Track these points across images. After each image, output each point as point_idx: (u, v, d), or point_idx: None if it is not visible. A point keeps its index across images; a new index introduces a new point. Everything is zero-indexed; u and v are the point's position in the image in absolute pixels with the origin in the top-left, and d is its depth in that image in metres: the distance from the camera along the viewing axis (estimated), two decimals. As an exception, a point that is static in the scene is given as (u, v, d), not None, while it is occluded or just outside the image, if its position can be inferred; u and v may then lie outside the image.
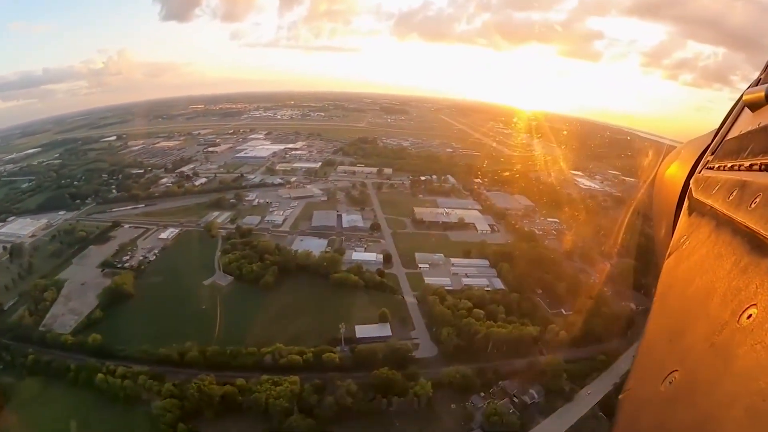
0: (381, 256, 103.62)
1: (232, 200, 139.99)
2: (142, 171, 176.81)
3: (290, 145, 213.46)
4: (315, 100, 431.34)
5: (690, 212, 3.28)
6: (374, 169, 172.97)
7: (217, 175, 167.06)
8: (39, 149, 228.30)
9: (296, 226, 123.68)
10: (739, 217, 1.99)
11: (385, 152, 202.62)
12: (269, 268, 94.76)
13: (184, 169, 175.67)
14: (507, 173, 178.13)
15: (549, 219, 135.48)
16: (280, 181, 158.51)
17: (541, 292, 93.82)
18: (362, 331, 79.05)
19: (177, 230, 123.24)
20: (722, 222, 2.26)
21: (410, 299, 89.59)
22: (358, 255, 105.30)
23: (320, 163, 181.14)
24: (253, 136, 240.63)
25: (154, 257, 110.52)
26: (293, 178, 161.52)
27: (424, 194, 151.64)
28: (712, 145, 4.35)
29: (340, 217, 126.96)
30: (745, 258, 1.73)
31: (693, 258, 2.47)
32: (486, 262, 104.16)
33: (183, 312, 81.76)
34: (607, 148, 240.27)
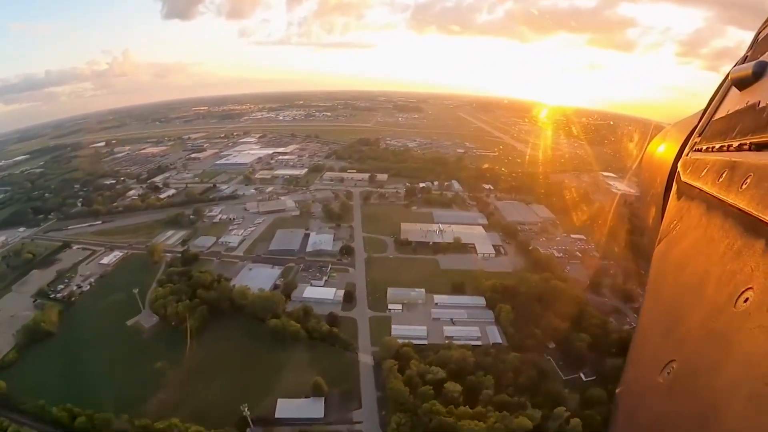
0: (341, 293, 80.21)
1: (192, 216, 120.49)
2: (114, 181, 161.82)
3: (280, 150, 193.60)
4: (325, 100, 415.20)
5: (679, 196, 3.21)
6: (366, 175, 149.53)
7: (189, 185, 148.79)
8: (28, 156, 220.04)
9: (253, 248, 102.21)
10: (731, 198, 1.93)
11: (385, 155, 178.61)
12: (198, 308, 75.41)
13: (157, 179, 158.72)
14: (525, 177, 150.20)
15: (573, 236, 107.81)
16: (253, 191, 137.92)
17: (554, 347, 67.89)
18: (285, 408, 56.61)
19: (121, 254, 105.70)
20: (713, 205, 2.22)
21: (367, 358, 65.61)
22: (313, 291, 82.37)
23: (306, 170, 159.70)
24: (244, 140, 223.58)
25: (89, 287, 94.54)
26: (269, 189, 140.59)
27: (420, 205, 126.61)
28: (699, 127, 4.19)
29: (307, 237, 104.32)
30: (738, 240, 1.67)
31: (684, 243, 2.45)
32: (482, 301, 78.63)
33: (94, 360, 66.48)
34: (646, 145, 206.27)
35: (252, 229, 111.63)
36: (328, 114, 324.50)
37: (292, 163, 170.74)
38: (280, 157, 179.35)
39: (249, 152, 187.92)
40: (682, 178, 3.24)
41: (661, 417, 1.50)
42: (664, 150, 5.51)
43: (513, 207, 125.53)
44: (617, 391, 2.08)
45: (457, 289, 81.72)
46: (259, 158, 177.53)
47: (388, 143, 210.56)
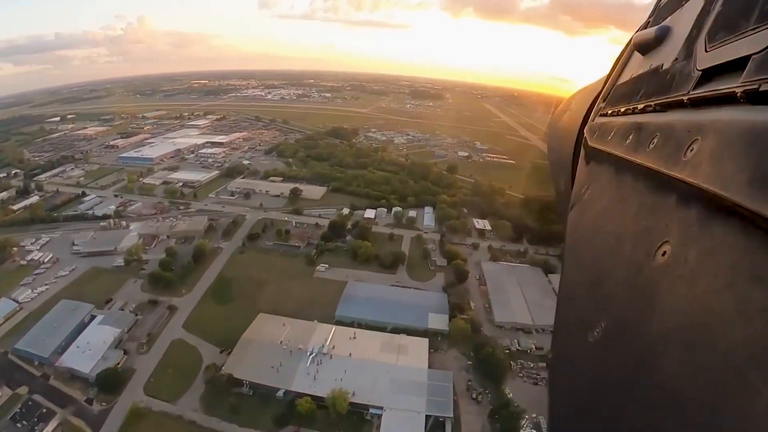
0: None
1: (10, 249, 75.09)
2: (4, 175, 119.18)
3: (216, 139, 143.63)
4: (337, 81, 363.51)
5: (588, 161, 3.21)
6: (289, 186, 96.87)
7: (60, 190, 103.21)
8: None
9: (18, 330, 54.95)
10: (639, 159, 1.94)
11: (344, 155, 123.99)
12: None
13: (42, 177, 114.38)
14: (551, 207, 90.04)
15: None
16: (110, 209, 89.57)
17: None
18: None
19: None
20: (622, 167, 2.23)
21: None
22: None
23: (216, 173, 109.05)
24: (192, 123, 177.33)
25: None
26: (135, 205, 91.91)
27: (336, 260, 71.40)
28: (603, 92, 4.15)
29: (89, 323, 54.34)
30: (650, 198, 1.70)
31: (597, 206, 2.48)
32: None
33: None
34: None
35: (43, 288, 64.01)
36: (327, 95, 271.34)
37: (211, 160, 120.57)
38: (203, 151, 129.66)
39: (173, 141, 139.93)
40: (590, 143, 3.21)
41: (595, 375, 1.50)
42: (569, 117, 5.47)
43: (515, 280, 67.62)
44: (549, 357, 2.09)
45: None
46: (178, 150, 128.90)
47: (370, 136, 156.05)
